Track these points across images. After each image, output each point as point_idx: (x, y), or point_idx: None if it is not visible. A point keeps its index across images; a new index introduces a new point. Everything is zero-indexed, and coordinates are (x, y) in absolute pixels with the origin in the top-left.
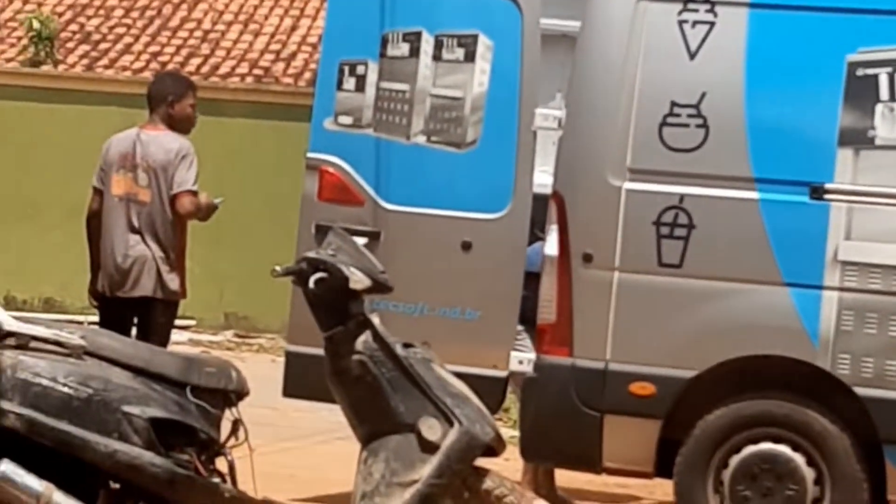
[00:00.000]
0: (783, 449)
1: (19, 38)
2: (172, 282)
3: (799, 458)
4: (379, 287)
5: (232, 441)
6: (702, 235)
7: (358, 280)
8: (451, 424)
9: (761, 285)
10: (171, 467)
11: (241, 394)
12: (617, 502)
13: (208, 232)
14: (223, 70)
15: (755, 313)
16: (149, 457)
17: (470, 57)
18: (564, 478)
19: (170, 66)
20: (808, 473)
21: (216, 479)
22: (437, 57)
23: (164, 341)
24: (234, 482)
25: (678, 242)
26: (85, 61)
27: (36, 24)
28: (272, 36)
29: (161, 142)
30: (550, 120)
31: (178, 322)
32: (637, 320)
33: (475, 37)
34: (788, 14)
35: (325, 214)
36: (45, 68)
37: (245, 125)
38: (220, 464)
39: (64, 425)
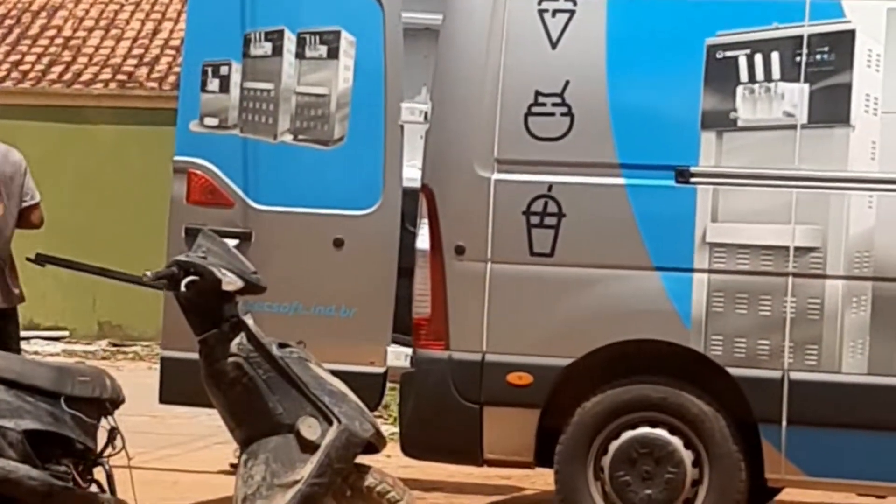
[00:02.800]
0: (661, 433)
1: None
2: (16, 288)
3: (677, 441)
4: (251, 288)
5: (109, 450)
6: (572, 223)
7: (230, 281)
8: (330, 423)
9: (632, 270)
10: (48, 480)
11: (117, 402)
12: (499, 494)
13: (78, 241)
14: (86, 77)
15: (627, 299)
16: (25, 470)
17: (333, 54)
18: (445, 471)
19: (31, 75)
20: (687, 456)
21: (95, 490)
22: (300, 55)
23: (20, 347)
24: (112, 491)
25: (549, 231)
26: None
27: None
28: (134, 40)
29: (1, 153)
30: (417, 114)
31: (51, 332)
32: (511, 310)
33: (337, 33)
34: (647, 0)
35: (194, 217)
36: None
37: (110, 131)
38: (99, 474)
39: None
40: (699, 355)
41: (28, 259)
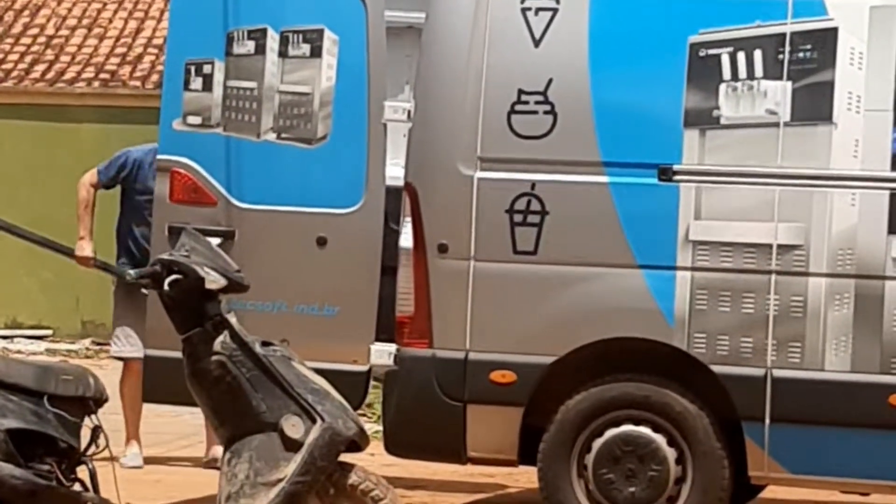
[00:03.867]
0: (644, 430)
1: None
2: None
3: (660, 439)
4: (234, 286)
5: (93, 449)
6: (555, 221)
7: (213, 280)
8: (313, 421)
9: (615, 268)
10: (31, 478)
11: (100, 400)
12: (482, 492)
13: (62, 240)
14: (69, 75)
15: (610, 297)
16: (8, 469)
17: (316, 52)
18: (429, 469)
19: (14, 73)
20: (670, 453)
21: (78, 489)
22: (283, 53)
23: None
24: (96, 490)
25: (532, 229)
26: None
27: None
28: (117, 39)
29: None
30: (400, 112)
31: (34, 331)
32: (495, 309)
33: (320, 32)
34: None
35: (177, 216)
36: None
37: (94, 130)
38: (82, 472)
39: None
40: (682, 353)
41: None
